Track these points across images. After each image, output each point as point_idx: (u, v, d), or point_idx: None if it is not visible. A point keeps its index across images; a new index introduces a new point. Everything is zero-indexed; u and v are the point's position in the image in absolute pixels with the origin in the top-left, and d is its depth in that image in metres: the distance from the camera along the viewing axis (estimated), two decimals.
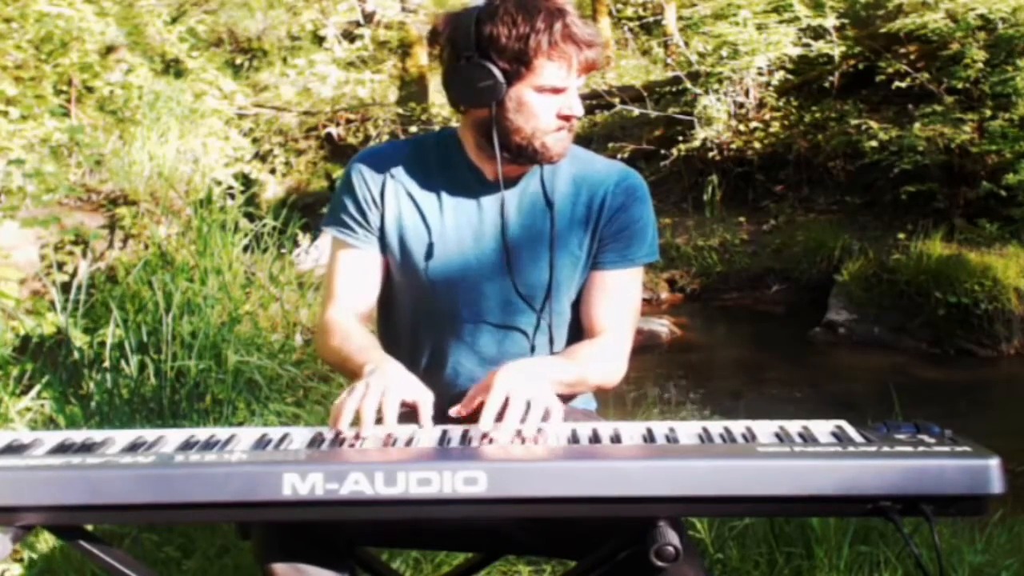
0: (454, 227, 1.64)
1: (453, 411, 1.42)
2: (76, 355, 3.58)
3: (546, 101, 1.55)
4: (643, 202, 1.67)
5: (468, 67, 1.54)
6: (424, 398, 1.40)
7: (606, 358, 1.62)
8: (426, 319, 1.68)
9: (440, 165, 1.67)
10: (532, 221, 1.64)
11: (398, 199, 1.65)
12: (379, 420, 1.33)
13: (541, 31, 1.49)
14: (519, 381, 1.38)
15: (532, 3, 1.51)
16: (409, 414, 1.51)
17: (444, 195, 1.65)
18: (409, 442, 1.32)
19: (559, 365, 1.55)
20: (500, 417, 1.34)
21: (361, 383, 1.38)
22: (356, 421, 1.33)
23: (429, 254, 1.64)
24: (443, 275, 1.64)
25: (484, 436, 1.33)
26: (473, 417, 1.39)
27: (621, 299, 1.66)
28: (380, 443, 1.31)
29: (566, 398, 1.62)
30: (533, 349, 1.67)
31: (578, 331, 1.68)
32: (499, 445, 1.30)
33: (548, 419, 1.36)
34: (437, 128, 7.73)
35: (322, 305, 1.71)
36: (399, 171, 1.67)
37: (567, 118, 1.57)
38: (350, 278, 1.68)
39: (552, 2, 1.52)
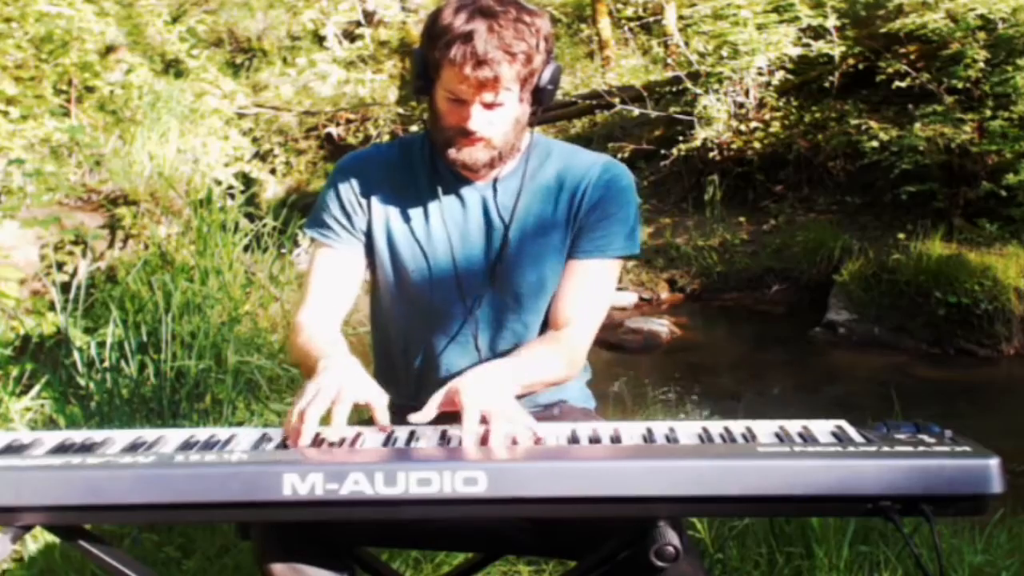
0: (440, 227, 1.64)
1: (412, 417, 1.39)
2: (76, 355, 3.58)
3: (450, 108, 1.53)
4: (624, 194, 1.65)
5: (416, 56, 1.55)
6: (377, 400, 1.37)
7: (562, 355, 1.60)
8: (419, 321, 1.68)
9: (424, 165, 1.67)
10: (514, 219, 1.63)
11: (385, 203, 1.65)
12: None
13: (448, 37, 1.47)
14: (488, 400, 1.34)
15: (464, 5, 1.49)
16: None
17: (429, 195, 1.65)
18: (354, 441, 1.33)
19: (515, 370, 1.51)
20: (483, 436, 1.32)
21: (312, 384, 1.35)
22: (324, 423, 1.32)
23: (418, 256, 1.64)
24: (432, 276, 1.64)
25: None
26: (438, 419, 1.38)
27: (590, 290, 1.64)
28: (330, 444, 1.31)
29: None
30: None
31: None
32: (499, 445, 1.30)
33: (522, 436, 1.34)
34: None
35: (296, 306, 1.71)
36: (385, 174, 1.67)
37: (466, 132, 1.53)
38: (327, 280, 1.67)
39: (478, 8, 1.47)
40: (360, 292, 1.73)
